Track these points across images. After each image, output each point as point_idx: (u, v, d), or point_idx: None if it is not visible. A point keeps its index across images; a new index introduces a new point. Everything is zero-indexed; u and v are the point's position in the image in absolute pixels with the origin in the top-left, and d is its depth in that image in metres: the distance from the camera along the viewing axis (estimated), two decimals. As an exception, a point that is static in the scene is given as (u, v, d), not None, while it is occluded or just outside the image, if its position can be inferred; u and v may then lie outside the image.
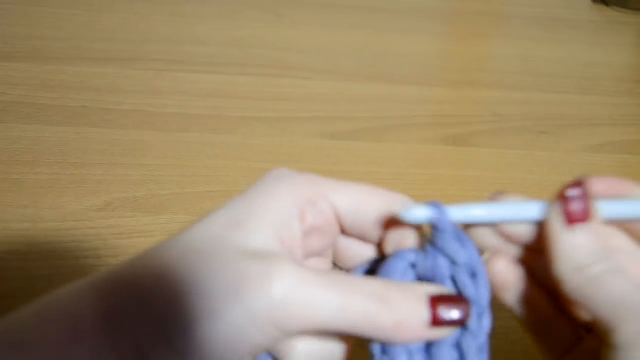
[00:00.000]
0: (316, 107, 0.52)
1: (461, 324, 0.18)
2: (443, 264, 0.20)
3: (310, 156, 0.45)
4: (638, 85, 0.61)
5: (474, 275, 0.19)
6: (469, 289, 0.19)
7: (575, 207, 0.18)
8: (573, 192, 0.18)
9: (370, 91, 0.55)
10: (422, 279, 0.20)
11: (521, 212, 0.20)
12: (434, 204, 0.20)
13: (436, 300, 0.18)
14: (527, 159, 0.48)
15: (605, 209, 0.19)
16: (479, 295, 0.19)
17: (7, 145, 0.43)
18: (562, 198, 0.19)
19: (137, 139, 0.45)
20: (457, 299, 0.18)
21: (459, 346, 0.19)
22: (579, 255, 0.18)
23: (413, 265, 0.20)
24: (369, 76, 0.58)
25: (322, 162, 0.45)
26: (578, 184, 0.19)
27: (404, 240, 0.20)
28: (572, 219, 0.18)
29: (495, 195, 0.21)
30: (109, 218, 0.38)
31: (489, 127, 0.52)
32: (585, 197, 0.18)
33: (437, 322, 0.18)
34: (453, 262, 0.20)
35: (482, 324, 0.19)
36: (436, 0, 0.77)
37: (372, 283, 0.18)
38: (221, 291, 0.17)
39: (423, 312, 0.18)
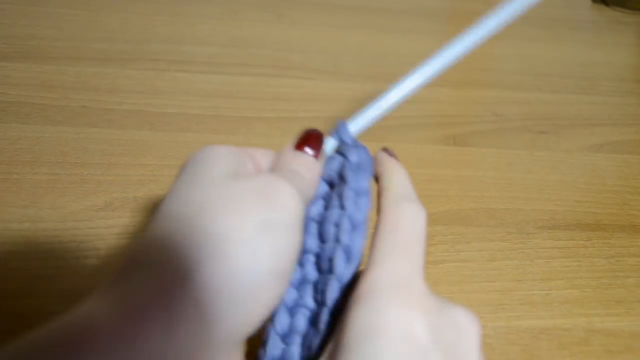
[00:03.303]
0: (316, 107, 0.52)
1: (320, 138, 0.26)
2: (337, 163, 0.27)
3: (310, 156, 0.45)
4: (638, 85, 0.61)
5: (358, 167, 0.26)
6: (350, 176, 0.25)
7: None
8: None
9: (370, 91, 0.55)
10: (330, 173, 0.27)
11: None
12: (340, 124, 0.27)
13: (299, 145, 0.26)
14: (527, 158, 0.48)
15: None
16: (358, 183, 0.25)
17: (6, 145, 0.43)
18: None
19: (137, 139, 0.45)
20: (311, 136, 0.26)
21: (336, 224, 0.24)
22: None
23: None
24: (369, 76, 0.58)
25: (322, 162, 0.45)
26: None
27: None
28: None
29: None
30: (109, 218, 0.38)
31: (489, 127, 0.52)
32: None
33: (300, 147, 0.26)
34: (344, 157, 0.27)
35: (359, 204, 0.24)
36: (436, 0, 0.77)
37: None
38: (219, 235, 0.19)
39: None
